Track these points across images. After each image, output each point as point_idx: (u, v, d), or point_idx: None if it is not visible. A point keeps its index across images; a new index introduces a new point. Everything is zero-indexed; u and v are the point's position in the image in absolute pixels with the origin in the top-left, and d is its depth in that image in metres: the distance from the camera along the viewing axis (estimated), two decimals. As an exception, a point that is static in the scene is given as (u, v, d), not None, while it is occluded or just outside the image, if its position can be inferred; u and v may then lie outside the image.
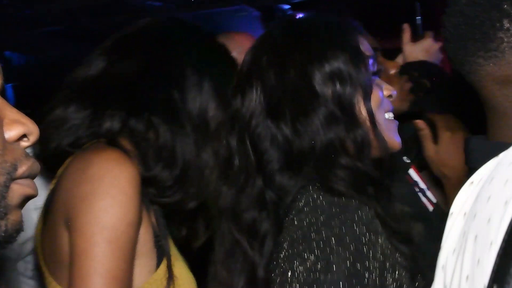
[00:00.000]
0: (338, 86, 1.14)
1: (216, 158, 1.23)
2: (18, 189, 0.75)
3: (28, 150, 0.79)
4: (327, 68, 1.15)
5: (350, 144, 1.15)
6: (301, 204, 1.10)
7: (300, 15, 5.64)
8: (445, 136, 1.60)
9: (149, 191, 1.18)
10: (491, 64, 0.88)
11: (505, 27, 0.85)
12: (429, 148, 1.66)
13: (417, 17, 2.93)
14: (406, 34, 2.01)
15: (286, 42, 1.20)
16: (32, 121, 0.78)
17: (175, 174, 1.19)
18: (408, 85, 1.79)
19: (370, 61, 1.23)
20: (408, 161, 1.85)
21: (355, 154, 1.15)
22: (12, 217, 0.74)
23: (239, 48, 2.29)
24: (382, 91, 1.25)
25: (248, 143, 1.17)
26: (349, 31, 1.25)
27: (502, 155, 0.60)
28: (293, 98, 1.15)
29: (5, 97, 0.80)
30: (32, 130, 0.78)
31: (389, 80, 1.72)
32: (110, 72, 1.21)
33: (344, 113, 1.15)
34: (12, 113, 0.76)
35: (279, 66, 1.17)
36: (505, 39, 0.86)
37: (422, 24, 3.09)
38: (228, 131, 1.21)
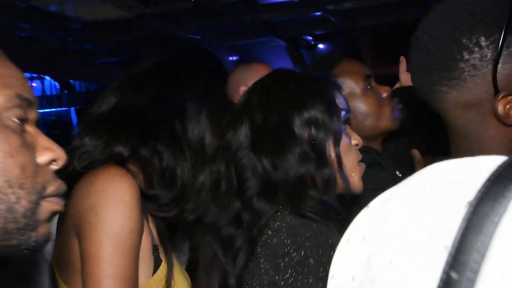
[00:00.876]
0: (313, 130, 1.27)
1: (211, 179, 1.35)
2: (46, 206, 0.83)
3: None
4: (306, 114, 1.28)
5: (319, 180, 1.26)
6: (276, 225, 1.22)
7: (320, 46, 6.16)
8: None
9: (149, 205, 1.28)
10: (454, 91, 0.92)
11: (465, 58, 0.90)
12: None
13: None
14: (403, 65, 2.17)
15: (273, 88, 1.34)
16: (61, 148, 0.86)
17: (174, 194, 1.30)
18: (398, 107, 1.87)
19: (343, 112, 1.35)
20: (400, 175, 1.91)
21: (322, 189, 1.25)
22: (41, 229, 0.83)
23: (258, 77, 2.38)
24: (351, 140, 1.38)
25: (233, 170, 1.30)
26: (328, 86, 1.38)
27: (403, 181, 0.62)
28: (274, 137, 1.27)
29: (38, 126, 0.90)
30: (60, 156, 0.86)
31: (381, 103, 1.87)
32: (121, 106, 1.34)
33: (316, 154, 1.27)
34: (43, 140, 0.85)
35: (265, 108, 1.30)
36: (466, 69, 0.90)
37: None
38: (220, 158, 1.34)
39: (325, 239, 1.17)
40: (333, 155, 1.30)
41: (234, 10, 5.01)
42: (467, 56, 0.89)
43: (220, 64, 6.29)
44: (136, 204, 1.20)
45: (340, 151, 1.30)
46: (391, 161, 1.96)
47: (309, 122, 1.27)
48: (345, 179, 1.31)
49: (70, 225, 1.22)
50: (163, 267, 1.28)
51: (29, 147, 0.83)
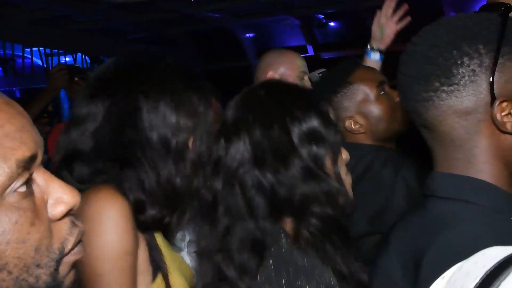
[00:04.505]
0: (313, 144, 1.26)
1: (186, 173, 1.30)
2: (67, 261, 0.76)
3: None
4: (305, 127, 1.26)
5: (323, 196, 1.24)
6: (282, 248, 1.22)
7: (331, 24, 6.42)
8: None
9: (141, 218, 1.23)
10: (453, 98, 0.93)
11: (466, 64, 0.91)
12: None
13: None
14: (377, 18, 2.24)
15: (271, 103, 1.30)
16: (75, 191, 0.76)
17: (164, 204, 1.26)
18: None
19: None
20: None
21: (327, 205, 1.24)
22: (67, 282, 0.76)
23: (288, 63, 2.49)
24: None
25: (237, 189, 1.24)
26: (319, 100, 1.39)
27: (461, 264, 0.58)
28: (275, 151, 1.24)
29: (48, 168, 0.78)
30: (74, 204, 0.76)
31: (394, 107, 1.90)
32: (84, 121, 1.27)
33: (318, 168, 1.25)
34: (54, 190, 0.75)
35: (264, 122, 1.26)
36: (466, 74, 0.91)
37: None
38: (212, 175, 1.29)
39: (320, 275, 1.19)
40: (332, 168, 1.29)
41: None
42: (468, 62, 0.92)
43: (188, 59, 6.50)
44: (130, 225, 1.20)
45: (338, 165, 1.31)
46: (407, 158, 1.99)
47: (309, 135, 1.27)
48: (345, 193, 1.30)
49: None
50: (161, 274, 1.29)
51: (40, 215, 0.73)
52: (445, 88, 0.93)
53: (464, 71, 0.92)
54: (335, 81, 1.95)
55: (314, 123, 1.28)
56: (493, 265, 0.54)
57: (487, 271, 0.54)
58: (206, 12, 5.94)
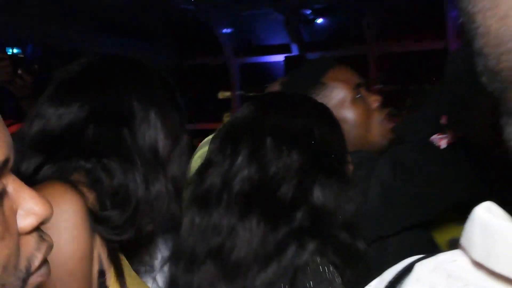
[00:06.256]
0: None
1: (170, 186, 1.24)
2: (32, 283, 0.71)
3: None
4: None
5: (346, 217, 1.21)
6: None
7: (319, 21, 5.93)
8: None
9: (100, 228, 1.15)
10: None
11: None
12: None
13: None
14: None
15: (291, 127, 1.24)
16: (47, 202, 0.72)
17: (128, 214, 1.17)
18: (390, 124, 1.85)
19: None
20: None
21: (348, 229, 1.20)
22: None
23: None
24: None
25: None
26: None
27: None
28: (327, 160, 1.21)
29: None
30: (46, 217, 0.72)
31: (370, 113, 1.85)
32: (57, 122, 1.20)
33: (343, 182, 1.23)
34: (25, 200, 0.70)
35: (309, 131, 1.23)
36: None
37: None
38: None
39: None
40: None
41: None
42: None
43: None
44: (87, 226, 1.11)
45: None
46: None
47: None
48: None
49: None
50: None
51: (10, 227, 0.66)
52: None
53: None
54: (307, 81, 1.83)
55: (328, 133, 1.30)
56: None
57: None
58: (180, 3, 5.49)
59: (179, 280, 1.21)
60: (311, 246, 1.13)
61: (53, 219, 1.01)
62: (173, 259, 1.26)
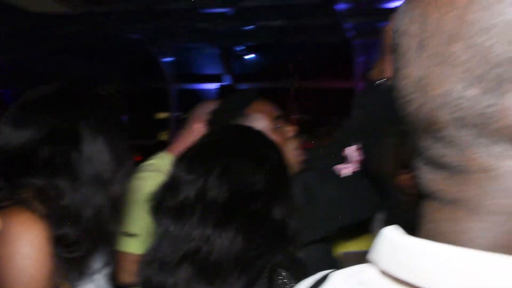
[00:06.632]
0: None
1: (109, 204, 1.33)
2: None
3: None
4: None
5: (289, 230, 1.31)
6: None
7: (247, 57, 6.58)
8: None
9: (57, 248, 1.21)
10: None
11: None
12: None
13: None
14: None
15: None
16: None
17: (79, 231, 1.25)
18: (302, 155, 1.93)
19: None
20: None
21: (292, 241, 1.31)
22: None
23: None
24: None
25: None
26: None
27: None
28: (287, 184, 1.36)
29: None
30: None
31: (286, 141, 1.90)
32: (13, 143, 1.27)
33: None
34: None
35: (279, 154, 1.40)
36: None
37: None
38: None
39: None
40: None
41: (175, 15, 5.35)
42: None
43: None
44: (48, 249, 1.18)
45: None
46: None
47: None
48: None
49: None
50: None
51: None
52: None
53: None
54: (233, 111, 1.90)
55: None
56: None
57: None
58: (126, 33, 5.90)
59: (153, 280, 1.25)
60: (277, 257, 1.22)
61: (20, 246, 1.12)
62: (145, 262, 1.30)
